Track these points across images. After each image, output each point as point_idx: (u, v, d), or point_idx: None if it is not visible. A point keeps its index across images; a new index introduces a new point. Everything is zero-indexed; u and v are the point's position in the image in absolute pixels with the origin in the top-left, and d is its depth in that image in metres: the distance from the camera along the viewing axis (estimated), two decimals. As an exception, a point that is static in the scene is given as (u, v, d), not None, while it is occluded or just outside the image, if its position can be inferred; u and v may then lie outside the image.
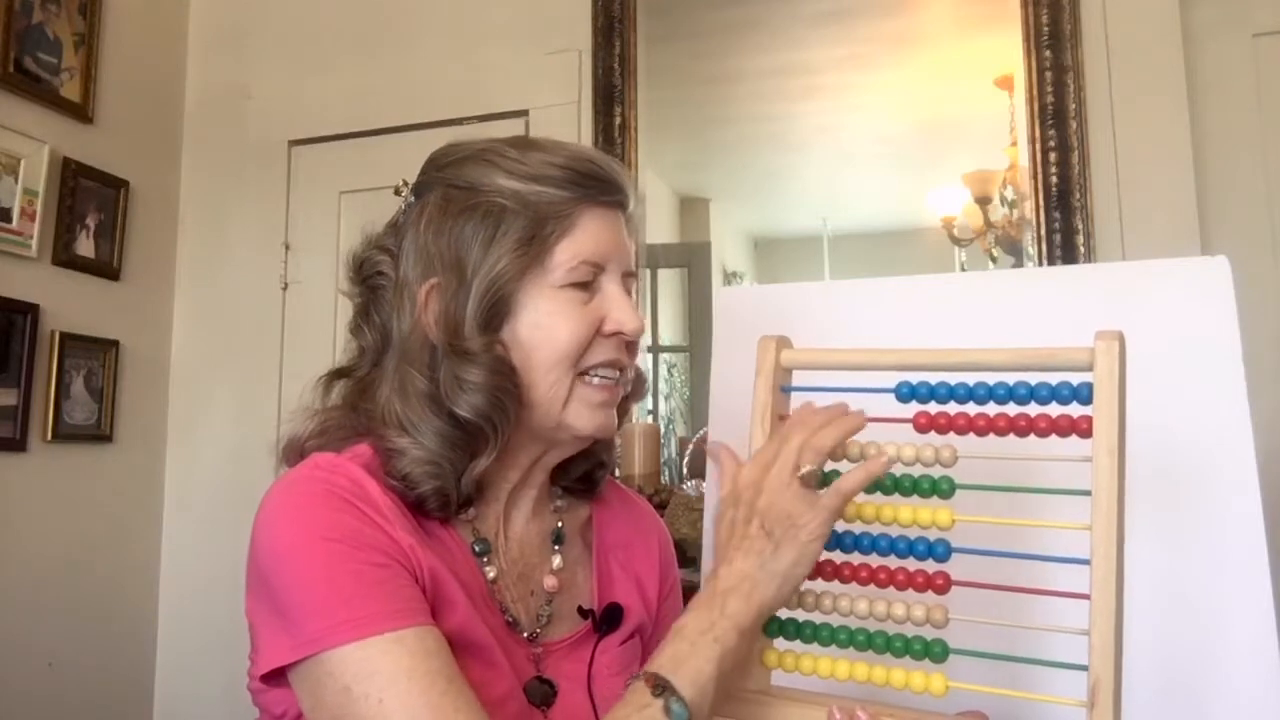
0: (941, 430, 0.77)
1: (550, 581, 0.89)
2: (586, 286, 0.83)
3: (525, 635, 0.85)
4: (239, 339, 2.60)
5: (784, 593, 0.72)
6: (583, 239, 0.83)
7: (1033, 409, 0.74)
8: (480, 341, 0.80)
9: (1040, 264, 1.98)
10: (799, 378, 0.84)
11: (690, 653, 0.70)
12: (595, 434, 0.86)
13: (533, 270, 0.82)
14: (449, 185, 0.85)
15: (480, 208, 0.82)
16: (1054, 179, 1.99)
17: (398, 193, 0.89)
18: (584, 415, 0.84)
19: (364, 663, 0.69)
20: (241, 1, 2.74)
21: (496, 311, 0.81)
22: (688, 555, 1.05)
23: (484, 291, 0.81)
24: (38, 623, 2.21)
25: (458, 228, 0.82)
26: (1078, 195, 1.97)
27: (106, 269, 2.44)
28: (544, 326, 0.82)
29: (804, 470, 0.72)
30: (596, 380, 0.84)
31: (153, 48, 2.65)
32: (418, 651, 0.71)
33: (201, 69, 2.74)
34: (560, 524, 0.94)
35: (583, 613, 0.90)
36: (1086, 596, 0.69)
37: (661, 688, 0.69)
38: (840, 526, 0.80)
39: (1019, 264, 2.08)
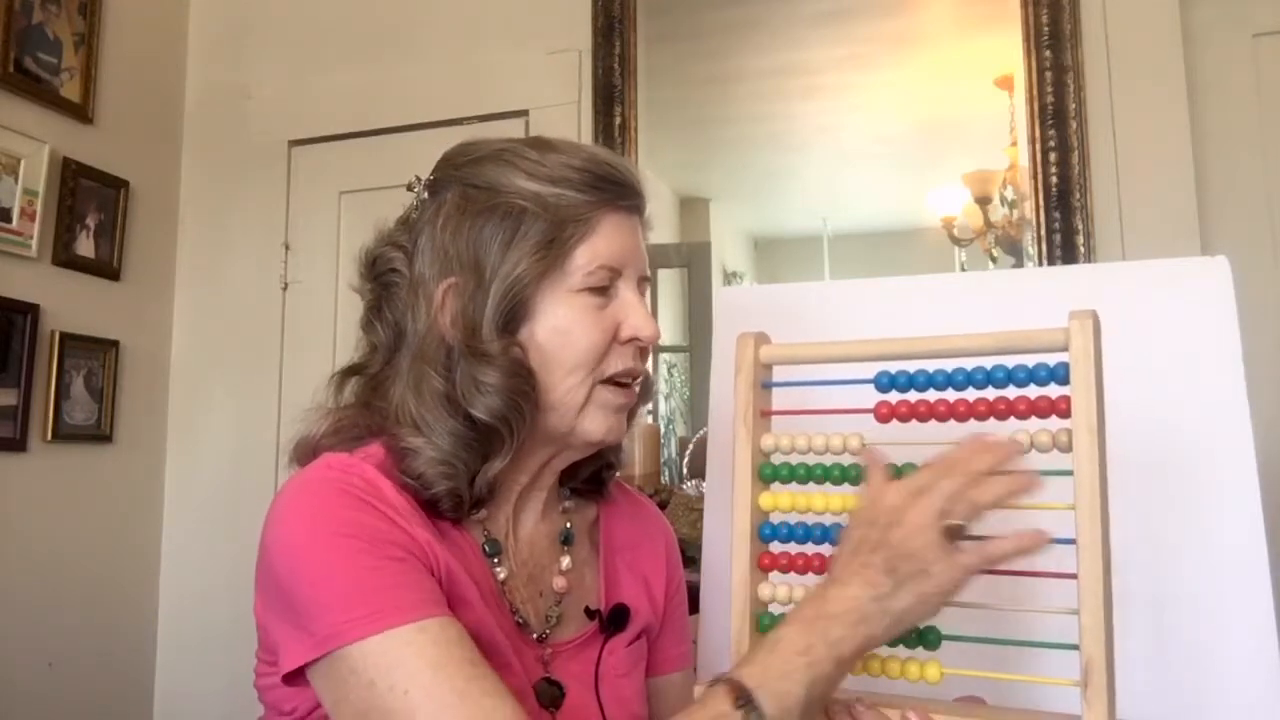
0: (922, 418, 0.77)
1: (559, 582, 0.89)
2: (603, 291, 0.83)
3: (534, 636, 0.85)
4: (239, 339, 2.60)
5: (892, 633, 0.69)
6: (601, 243, 0.82)
7: (1011, 392, 0.75)
8: (498, 344, 0.80)
9: (1040, 264, 1.97)
10: (781, 373, 0.84)
11: (782, 671, 0.67)
12: (608, 439, 0.86)
13: (551, 274, 0.81)
14: (467, 184, 0.84)
15: (500, 209, 0.82)
16: (1054, 179, 1.99)
17: (410, 188, 0.88)
18: (599, 421, 0.84)
19: (387, 655, 0.69)
20: (241, 1, 2.73)
21: (514, 314, 0.81)
22: (687, 555, 1.05)
23: (503, 293, 0.80)
24: (38, 623, 2.21)
25: (476, 228, 0.82)
26: (1078, 195, 1.97)
27: (106, 269, 2.44)
28: (562, 331, 0.81)
29: (950, 522, 0.67)
30: (614, 387, 0.84)
31: (153, 48, 2.64)
32: (441, 641, 0.70)
33: (201, 69, 2.74)
34: (569, 524, 0.93)
35: (589, 613, 0.89)
36: (1074, 576, 0.69)
37: (745, 699, 0.65)
38: (829, 520, 0.80)
39: (1019, 264, 2.08)
